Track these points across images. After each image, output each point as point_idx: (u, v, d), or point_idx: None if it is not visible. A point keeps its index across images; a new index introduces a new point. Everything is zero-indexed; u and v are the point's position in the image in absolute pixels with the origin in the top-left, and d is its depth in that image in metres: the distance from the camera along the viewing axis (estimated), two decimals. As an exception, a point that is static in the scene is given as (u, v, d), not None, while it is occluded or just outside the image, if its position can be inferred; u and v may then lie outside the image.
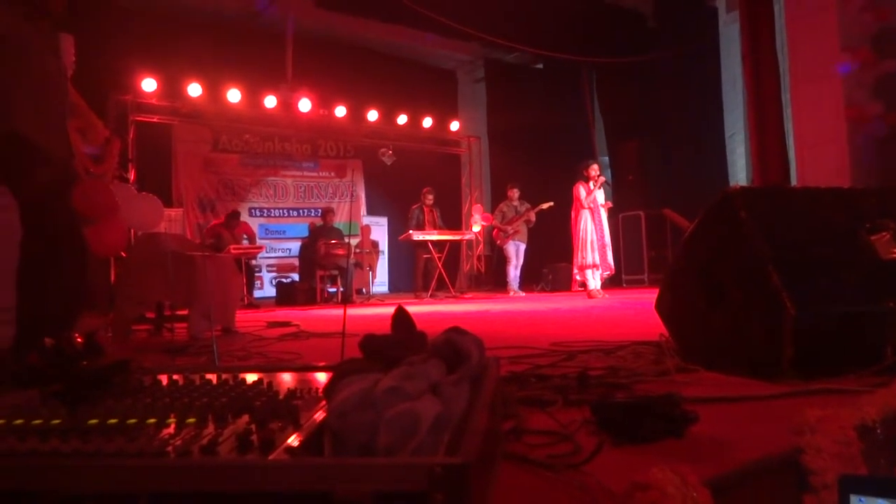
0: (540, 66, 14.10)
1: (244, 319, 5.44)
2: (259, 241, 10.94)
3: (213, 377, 1.15)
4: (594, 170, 8.00)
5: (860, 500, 0.69)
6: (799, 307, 1.73)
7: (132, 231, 5.94)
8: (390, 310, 1.09)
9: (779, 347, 1.75)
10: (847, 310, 1.84)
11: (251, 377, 1.16)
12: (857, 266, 1.95)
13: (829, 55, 8.02)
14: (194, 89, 10.34)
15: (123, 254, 4.60)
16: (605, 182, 8.16)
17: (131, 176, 9.38)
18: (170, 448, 0.74)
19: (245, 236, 9.64)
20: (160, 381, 1.15)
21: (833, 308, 1.83)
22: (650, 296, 2.94)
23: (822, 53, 8.09)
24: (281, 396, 1.00)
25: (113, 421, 0.86)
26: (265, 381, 1.12)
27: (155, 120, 10.43)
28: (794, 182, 7.64)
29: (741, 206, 1.96)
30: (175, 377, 1.17)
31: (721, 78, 11.68)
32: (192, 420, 0.86)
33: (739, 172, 11.81)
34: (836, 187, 2.32)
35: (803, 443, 1.05)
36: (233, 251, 8.61)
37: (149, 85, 10.00)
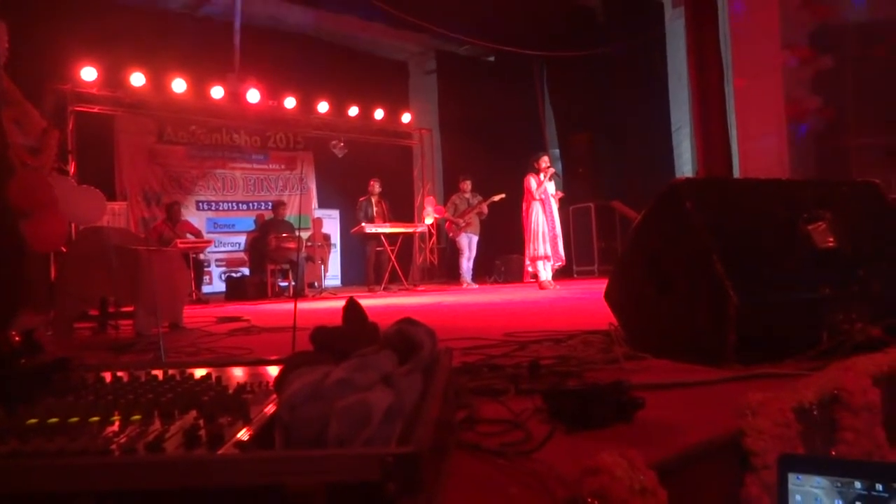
0: (491, 58, 14.16)
1: (192, 315, 5.33)
2: (207, 236, 10.71)
3: (159, 373, 1.12)
4: (545, 161, 8.08)
5: (798, 478, 0.72)
6: (741, 295, 1.79)
7: (73, 225, 5.73)
8: (342, 303, 1.09)
9: (722, 334, 1.80)
10: (786, 297, 1.91)
11: (199, 372, 1.13)
12: (796, 255, 2.03)
13: (770, 51, 8.28)
14: (137, 79, 10.02)
15: (64, 249, 4.43)
16: (556, 174, 8.26)
17: (71, 168, 9.05)
18: (114, 446, 0.72)
19: (189, 234, 9.43)
20: (103, 379, 1.11)
21: (773, 296, 1.90)
22: (600, 286, 2.99)
23: (763, 49, 8.36)
24: (230, 391, 0.98)
25: (54, 420, 0.83)
26: (214, 375, 1.09)
27: (96, 110, 10.07)
28: (736, 174, 7.88)
29: (687, 197, 2.01)
30: (119, 374, 1.14)
31: (668, 72, 11.95)
32: (137, 417, 0.84)
33: (685, 165, 12.11)
34: (776, 179, 2.40)
35: (745, 425, 1.09)
36: (180, 245, 8.41)
37: (89, 74, 9.64)
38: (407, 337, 0.94)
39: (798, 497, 0.71)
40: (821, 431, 1.28)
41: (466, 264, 10.10)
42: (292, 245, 9.41)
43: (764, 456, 1.08)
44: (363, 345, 0.92)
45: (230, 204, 11.92)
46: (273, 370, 1.20)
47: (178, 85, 10.39)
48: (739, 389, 1.45)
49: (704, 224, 1.95)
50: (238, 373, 1.20)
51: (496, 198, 10.07)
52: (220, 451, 0.71)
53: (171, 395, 0.94)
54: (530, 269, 8.17)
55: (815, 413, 1.25)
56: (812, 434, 1.22)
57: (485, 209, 10.07)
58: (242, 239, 11.36)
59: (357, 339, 0.96)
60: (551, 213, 8.04)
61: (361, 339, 0.96)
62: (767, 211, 2.12)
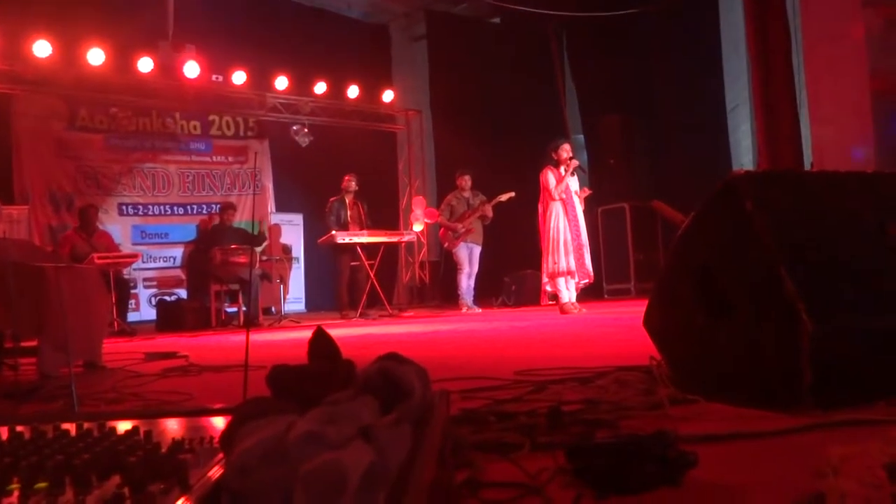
0: (496, 20, 14.23)
1: (114, 351, 5.32)
2: (133, 249, 10.68)
3: (71, 427, 1.12)
4: (565, 151, 8.11)
5: (894, 556, 0.72)
6: (818, 320, 1.79)
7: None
8: (307, 334, 1.09)
9: (795, 370, 1.80)
10: (877, 323, 1.91)
11: (124, 426, 1.13)
12: (888, 269, 2.03)
13: (849, 11, 8.34)
14: (42, 48, 10.03)
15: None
16: (580, 167, 8.28)
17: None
18: (12, 523, 0.72)
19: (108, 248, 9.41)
20: (-1, 435, 1.11)
21: (860, 321, 1.90)
22: (638, 309, 2.99)
23: (840, 9, 8.41)
24: (163, 450, 0.98)
25: (-70, 491, 0.83)
26: (142, 430, 1.09)
27: (-12, 89, 10.10)
28: (808, 165, 7.91)
29: (747, 196, 2.01)
30: (19, 429, 1.13)
31: (720, 39, 12.01)
32: (42, 485, 0.83)
33: (744, 154, 12.17)
34: (860, 172, 2.41)
35: (825, 487, 1.08)
36: (97, 261, 8.39)
37: (-20, 42, 9.67)
38: (391, 378, 0.94)
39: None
40: (923, 495, 1.28)
41: (466, 282, 10.10)
42: (243, 260, 9.39)
43: (850, 527, 1.07)
44: (335, 389, 0.91)
45: (163, 207, 11.91)
46: (219, 422, 1.19)
47: (95, 56, 10.40)
48: (817, 441, 1.45)
49: (769, 229, 1.96)
50: (173, 426, 1.19)
51: (504, 197, 10.09)
52: (150, 529, 0.70)
53: (86, 456, 0.94)
54: (549, 288, 8.18)
55: (914, 471, 1.24)
56: (911, 498, 1.22)
57: (489, 212, 10.09)
58: (179, 252, 11.34)
59: (327, 382, 0.96)
60: (575, 216, 8.06)
61: (333, 382, 0.96)
62: (850, 213, 2.13)
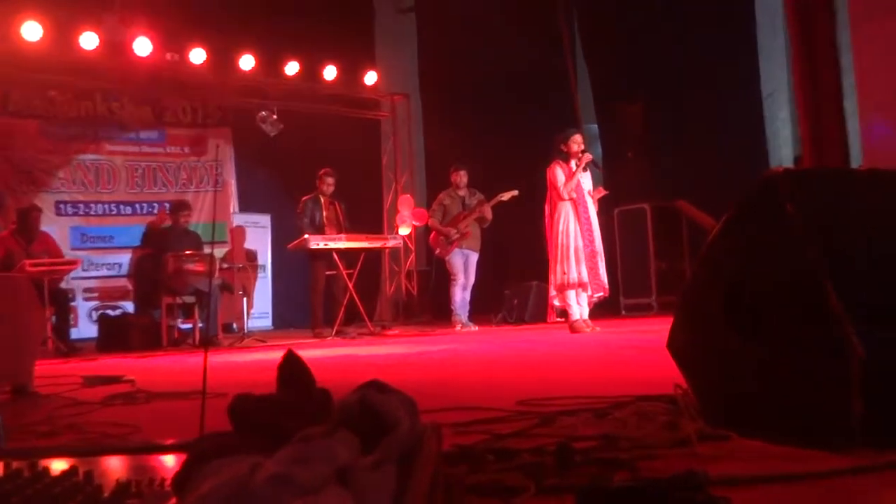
0: (497, -9, 14.26)
1: (49, 373, 5.29)
2: (72, 254, 10.63)
3: (-2, 466, 1.11)
4: (576, 143, 8.12)
5: None
6: (870, 344, 1.79)
7: None
8: (276, 356, 1.08)
9: (842, 403, 1.80)
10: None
11: (59, 465, 1.12)
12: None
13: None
14: (-32, 20, 10.03)
15: None
16: (593, 162, 8.29)
17: None
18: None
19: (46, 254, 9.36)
20: (-88, 475, 1.10)
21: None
22: (660, 328, 3.00)
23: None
24: (106, 493, 0.97)
25: None
26: (81, 470, 1.08)
27: None
28: (857, 160, 7.94)
29: (787, 197, 2.02)
30: (-63, 468, 1.12)
31: (755, 15, 12.06)
32: (-36, 535, 0.83)
33: (783, 147, 12.22)
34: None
35: (879, 540, 1.09)
36: (30, 268, 8.36)
37: None
38: (373, 410, 0.94)
39: None
40: None
41: (461, 295, 10.09)
42: (200, 268, 9.37)
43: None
44: (308, 423, 0.91)
45: (107, 206, 11.89)
46: (171, 461, 1.19)
47: (31, 31, 10.38)
48: (869, 485, 1.45)
49: (813, 235, 1.96)
50: (118, 465, 1.19)
51: (505, 196, 10.09)
52: (89, 588, 0.70)
53: (14, 501, 0.93)
54: (557, 302, 8.18)
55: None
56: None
57: (488, 213, 10.09)
58: (125, 259, 11.31)
59: (298, 415, 0.95)
60: (588, 219, 8.07)
61: (305, 415, 0.96)
62: (906, 217, 2.13)
